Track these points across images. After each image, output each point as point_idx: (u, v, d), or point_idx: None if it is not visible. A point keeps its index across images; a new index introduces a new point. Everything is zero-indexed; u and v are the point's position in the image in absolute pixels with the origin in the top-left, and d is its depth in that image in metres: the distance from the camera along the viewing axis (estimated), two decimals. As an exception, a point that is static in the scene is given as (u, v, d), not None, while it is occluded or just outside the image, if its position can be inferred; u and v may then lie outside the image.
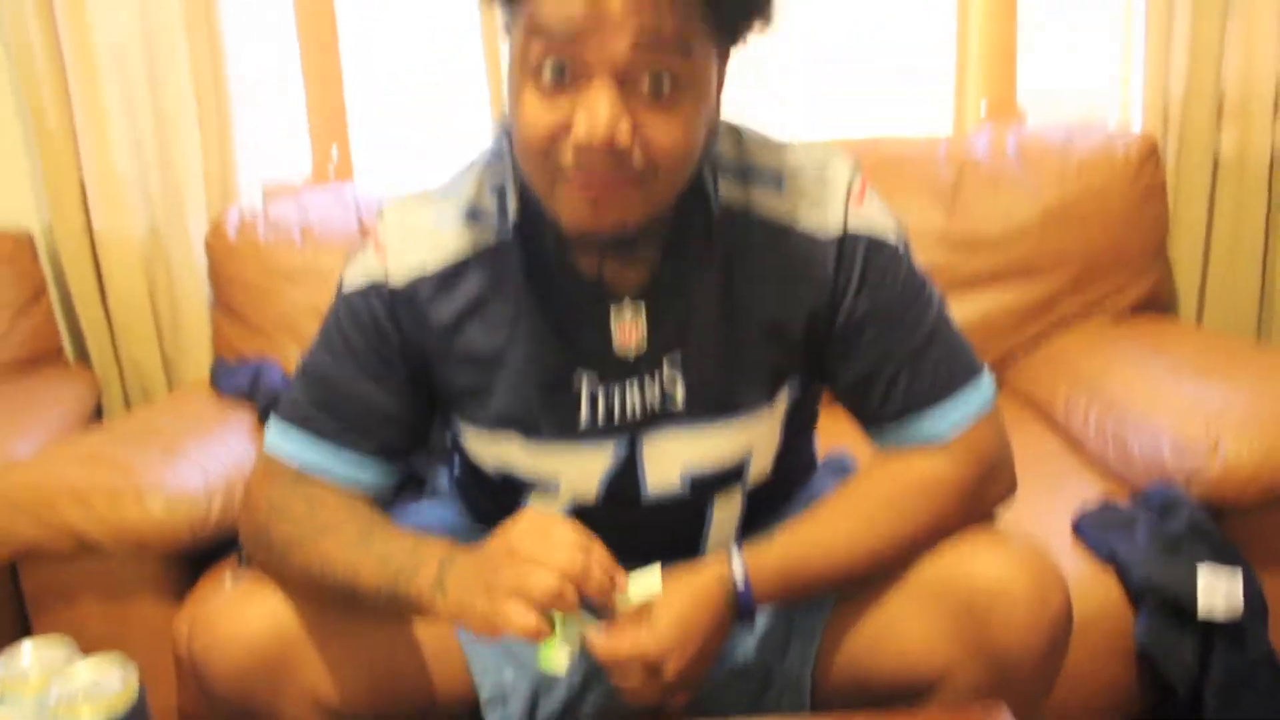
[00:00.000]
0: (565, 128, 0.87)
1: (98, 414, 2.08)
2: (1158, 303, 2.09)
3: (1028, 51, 2.21)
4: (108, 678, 0.85)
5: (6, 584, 1.51)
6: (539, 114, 0.88)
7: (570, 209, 0.91)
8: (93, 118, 2.03)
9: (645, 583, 0.94)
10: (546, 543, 0.89)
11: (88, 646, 1.04)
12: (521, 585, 0.87)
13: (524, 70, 0.88)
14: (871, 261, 1.02)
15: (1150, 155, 2.02)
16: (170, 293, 2.12)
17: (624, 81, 0.86)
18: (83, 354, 2.23)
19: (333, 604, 1.03)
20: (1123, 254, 2.01)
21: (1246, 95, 2.09)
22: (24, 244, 2.13)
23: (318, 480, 1.05)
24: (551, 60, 0.86)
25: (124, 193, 2.06)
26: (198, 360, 2.12)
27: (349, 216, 2.04)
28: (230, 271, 1.99)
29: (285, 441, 1.07)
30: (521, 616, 0.87)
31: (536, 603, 0.87)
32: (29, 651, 0.90)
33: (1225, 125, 2.12)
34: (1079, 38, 2.25)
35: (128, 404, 2.21)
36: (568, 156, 0.88)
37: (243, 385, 1.82)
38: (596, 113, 0.85)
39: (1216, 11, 2.04)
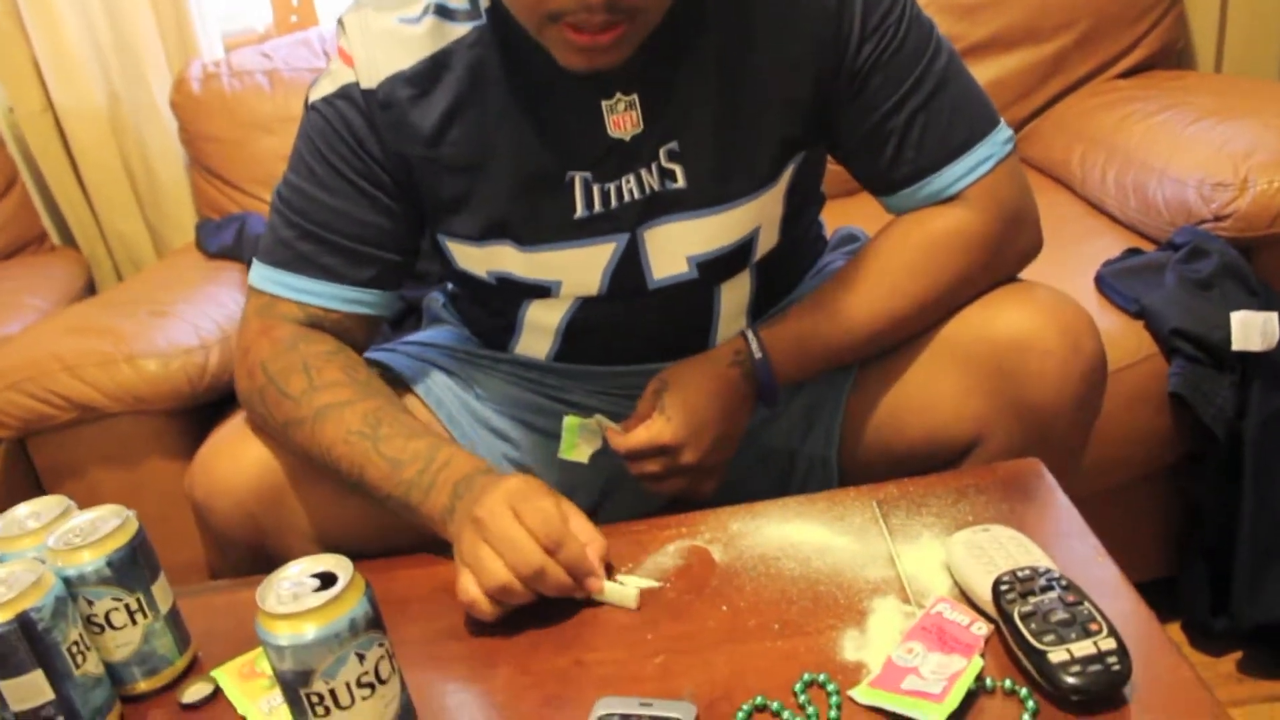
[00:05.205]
0: None
1: (92, 295, 2.04)
2: (1174, 56, 1.98)
3: None
4: (106, 521, 0.82)
5: (19, 461, 1.48)
6: None
7: (564, 54, 0.85)
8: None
9: (622, 593, 0.85)
10: (512, 529, 0.82)
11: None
12: (476, 566, 0.83)
13: None
14: (872, 3, 0.93)
15: (1156, -108, 1.88)
16: (145, 160, 2.04)
17: None
18: (68, 237, 2.18)
19: None
20: (1133, 5, 1.90)
21: None
22: (-14, 129, 2.05)
23: (315, 334, 0.99)
24: None
25: (79, 63, 1.97)
26: (183, 225, 2.06)
27: (318, 59, 1.94)
28: (200, 127, 1.91)
29: (272, 285, 1.00)
30: (468, 593, 0.83)
31: (483, 589, 0.82)
32: (25, 508, 0.87)
33: None
34: None
35: (120, 281, 2.16)
36: (558, 3, 0.80)
37: (227, 241, 1.77)
38: None
39: None
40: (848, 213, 1.23)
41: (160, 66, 2.00)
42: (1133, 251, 1.43)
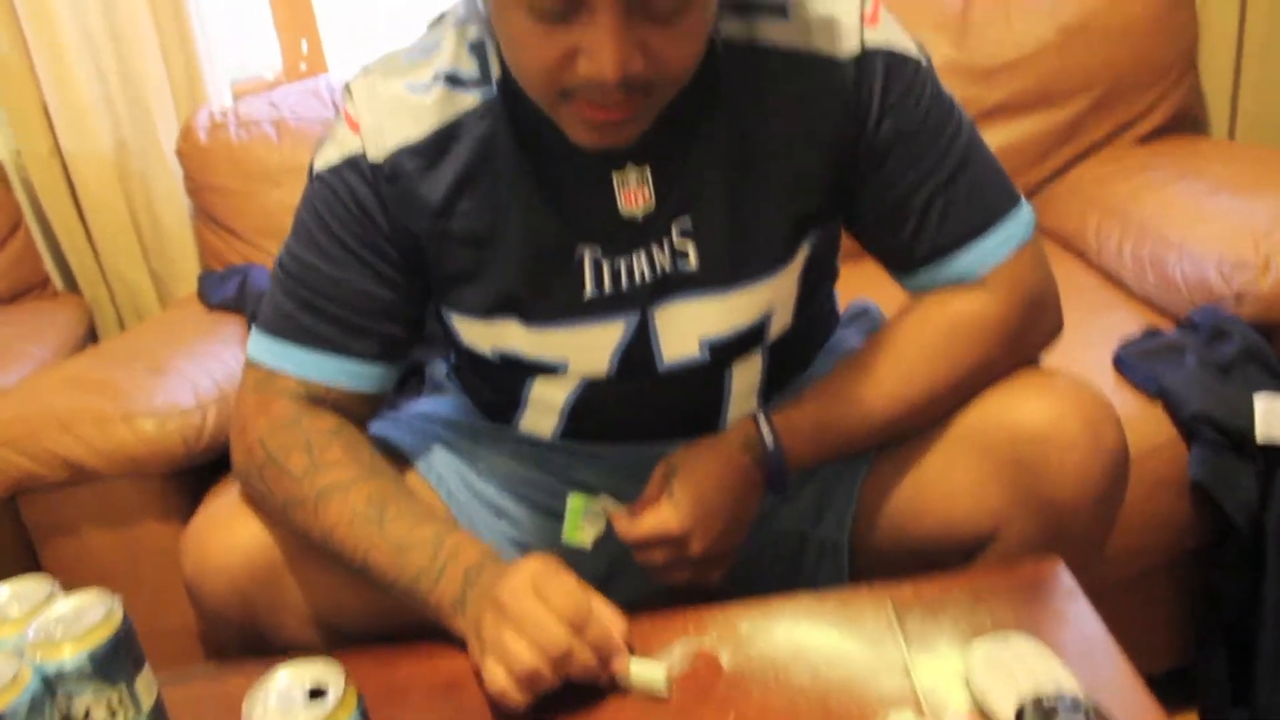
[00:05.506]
0: (568, 58, 0.77)
1: (93, 342, 2.01)
2: (1188, 121, 1.96)
3: None
4: (89, 611, 0.78)
5: (9, 519, 1.45)
6: (537, 47, 0.77)
7: (575, 130, 0.83)
8: (45, 36, 1.90)
9: (651, 674, 0.83)
10: (537, 610, 0.79)
11: (96, 577, 0.97)
12: (501, 652, 0.80)
13: None
14: (893, 78, 0.91)
15: (1173, -40, 1.86)
16: (150, 208, 2.02)
17: (630, 4, 0.74)
18: (70, 282, 2.15)
19: None
20: (1149, 70, 1.88)
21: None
22: (-6, 172, 2.04)
23: (317, 411, 0.96)
24: None
25: (88, 109, 1.95)
26: (187, 274, 2.03)
27: (326, 109, 1.93)
28: (206, 177, 1.88)
29: (272, 358, 0.97)
30: (497, 682, 0.80)
31: (512, 675, 0.79)
32: (6, 591, 0.84)
33: (1254, -80, 1.96)
34: None
35: (123, 328, 2.14)
36: (572, 82, 0.78)
37: (230, 294, 1.74)
38: (605, 53, 0.74)
39: None
40: (856, 280, 1.20)
41: (168, 113, 1.99)
42: (1152, 334, 1.40)
